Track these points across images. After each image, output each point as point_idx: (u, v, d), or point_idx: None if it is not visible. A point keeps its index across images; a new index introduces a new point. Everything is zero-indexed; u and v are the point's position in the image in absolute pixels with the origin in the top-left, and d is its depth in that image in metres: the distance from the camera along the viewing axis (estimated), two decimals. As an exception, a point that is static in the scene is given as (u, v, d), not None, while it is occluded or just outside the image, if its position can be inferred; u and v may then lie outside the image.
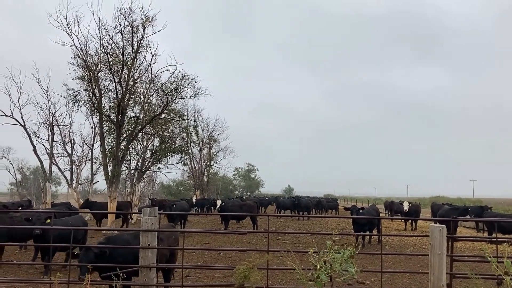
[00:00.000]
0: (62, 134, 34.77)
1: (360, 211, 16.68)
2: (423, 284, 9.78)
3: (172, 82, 25.72)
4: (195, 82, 26.66)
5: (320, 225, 26.95)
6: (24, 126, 29.91)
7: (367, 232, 16.34)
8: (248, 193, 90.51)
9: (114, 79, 22.99)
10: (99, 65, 23.62)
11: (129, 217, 24.66)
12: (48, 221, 10.35)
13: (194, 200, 39.08)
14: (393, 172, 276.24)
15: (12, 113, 29.07)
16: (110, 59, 23.10)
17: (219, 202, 26.28)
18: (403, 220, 26.98)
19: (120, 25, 22.61)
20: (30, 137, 30.55)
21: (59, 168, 34.42)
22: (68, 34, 21.81)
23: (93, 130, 35.27)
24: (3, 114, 28.51)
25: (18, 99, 29.72)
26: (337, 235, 5.34)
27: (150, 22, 22.74)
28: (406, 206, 24.72)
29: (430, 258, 5.86)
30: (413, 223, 24.90)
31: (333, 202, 45.31)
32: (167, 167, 35.35)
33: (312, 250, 5.07)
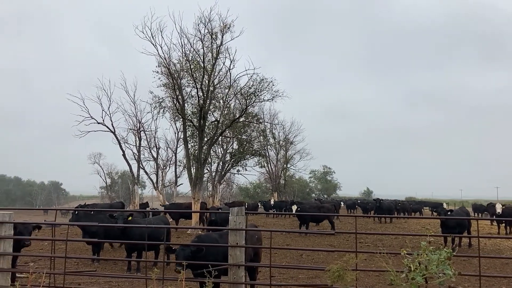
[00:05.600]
0: (148, 140, 36.94)
1: (449, 213, 15.90)
2: (524, 291, 9.12)
3: (250, 86, 26.18)
4: (273, 85, 26.94)
5: (404, 228, 26.07)
6: (114, 133, 32.13)
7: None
8: (325, 196, 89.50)
9: (196, 85, 23.86)
10: (182, 73, 24.67)
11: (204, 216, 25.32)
12: (130, 218, 11.01)
13: (272, 202, 39.60)
14: (480, 174, 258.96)
15: (103, 120, 31.40)
16: (191, 66, 24.01)
17: (294, 208, 26.33)
18: (495, 223, 25.28)
19: (200, 33, 23.43)
20: (119, 143, 32.75)
21: (145, 172, 36.54)
22: (153, 44, 23.03)
23: (176, 134, 37.14)
24: (96, 121, 30.88)
25: (109, 107, 32.05)
26: (431, 236, 5.15)
27: (228, 28, 23.33)
28: (499, 208, 23.15)
29: (535, 262, 5.47)
30: (507, 227, 23.21)
31: (416, 205, 43.75)
32: (246, 170, 36.00)
33: (405, 251, 4.93)
